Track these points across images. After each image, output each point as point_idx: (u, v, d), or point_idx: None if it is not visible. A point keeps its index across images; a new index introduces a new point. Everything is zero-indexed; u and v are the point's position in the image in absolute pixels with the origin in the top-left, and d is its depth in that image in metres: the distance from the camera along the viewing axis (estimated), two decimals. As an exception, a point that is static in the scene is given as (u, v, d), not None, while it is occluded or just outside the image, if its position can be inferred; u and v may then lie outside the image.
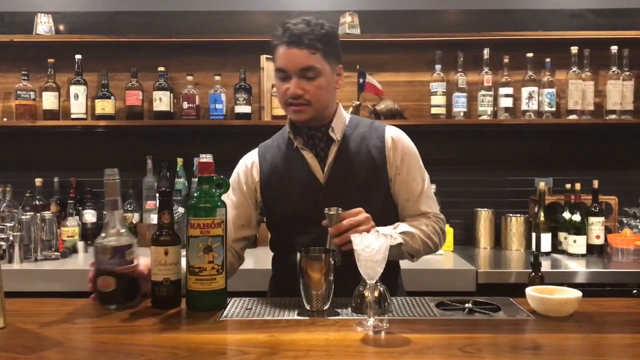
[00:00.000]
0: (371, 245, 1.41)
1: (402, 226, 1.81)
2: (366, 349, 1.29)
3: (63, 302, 1.67)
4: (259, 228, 2.02)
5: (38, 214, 2.87)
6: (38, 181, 3.20)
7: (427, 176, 1.93)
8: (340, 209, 1.64)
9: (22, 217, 2.81)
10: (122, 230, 1.60)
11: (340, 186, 1.83)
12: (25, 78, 3.22)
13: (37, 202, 3.16)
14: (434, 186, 2.18)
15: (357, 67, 3.23)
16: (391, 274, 1.86)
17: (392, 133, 1.90)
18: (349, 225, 1.62)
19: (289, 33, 1.75)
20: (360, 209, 1.68)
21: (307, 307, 1.54)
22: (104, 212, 3.16)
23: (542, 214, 2.97)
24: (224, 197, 1.84)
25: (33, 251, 2.80)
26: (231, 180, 1.96)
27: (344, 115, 1.92)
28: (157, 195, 3.17)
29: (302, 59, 1.75)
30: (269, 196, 1.91)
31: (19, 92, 3.20)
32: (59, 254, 2.86)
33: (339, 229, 1.62)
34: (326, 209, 1.64)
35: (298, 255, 1.54)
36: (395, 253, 1.73)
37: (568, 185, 3.05)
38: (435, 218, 1.88)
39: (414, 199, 1.88)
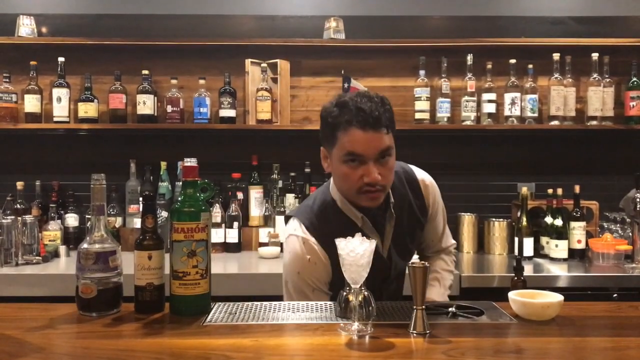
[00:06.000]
0: (355, 250, 1.41)
1: (446, 280, 2.03)
2: (350, 354, 1.29)
3: (45, 307, 1.65)
4: None
5: (19, 218, 2.84)
6: (19, 184, 3.17)
7: (442, 211, 2.02)
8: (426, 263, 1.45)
9: (3, 221, 2.78)
10: (107, 236, 1.59)
11: (400, 254, 1.86)
12: (7, 80, 3.19)
13: (19, 206, 3.13)
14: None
15: (342, 72, 3.24)
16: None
17: (426, 184, 1.92)
18: None
19: (363, 114, 1.61)
20: None
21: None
22: (87, 217, 3.15)
23: (524, 219, 3.00)
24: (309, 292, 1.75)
25: (14, 255, 2.77)
26: (305, 288, 1.76)
27: None
28: (141, 199, 3.15)
29: (381, 142, 1.64)
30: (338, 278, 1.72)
31: (0, 95, 3.16)
32: (40, 258, 2.83)
33: None
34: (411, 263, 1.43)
35: None
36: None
37: (550, 190, 3.08)
38: (452, 252, 2.10)
39: (437, 239, 2.03)
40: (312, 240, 1.75)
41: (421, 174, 1.94)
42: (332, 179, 1.80)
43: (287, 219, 1.92)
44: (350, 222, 1.76)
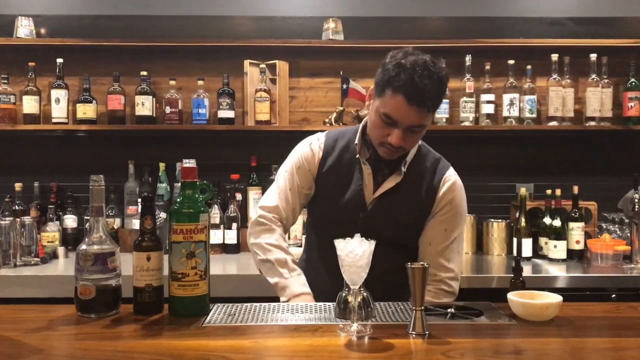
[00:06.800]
0: (355, 251, 1.41)
1: None
2: (350, 354, 1.29)
3: (43, 309, 1.65)
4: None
5: (17, 219, 2.83)
6: (18, 186, 3.16)
7: (461, 234, 1.96)
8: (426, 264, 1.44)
9: (1, 222, 2.77)
10: (105, 237, 1.58)
11: (382, 215, 1.84)
12: (6, 82, 3.18)
13: (17, 207, 3.12)
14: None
15: (341, 72, 3.24)
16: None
17: (450, 180, 1.91)
18: None
19: (415, 89, 1.65)
20: None
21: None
22: (86, 218, 3.14)
23: (523, 219, 3.00)
24: (283, 178, 1.93)
25: (12, 257, 2.76)
26: (295, 162, 1.95)
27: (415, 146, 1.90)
28: (139, 200, 3.14)
29: (418, 118, 1.70)
30: (318, 189, 1.94)
31: (-2, 96, 3.16)
32: (38, 259, 2.82)
33: None
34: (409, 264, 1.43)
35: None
36: None
37: (549, 191, 3.08)
38: (447, 288, 1.91)
39: (435, 247, 1.89)
40: (322, 139, 1.96)
41: (451, 173, 1.93)
42: (368, 113, 1.87)
43: None
44: (354, 147, 1.88)
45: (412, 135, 1.75)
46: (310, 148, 1.95)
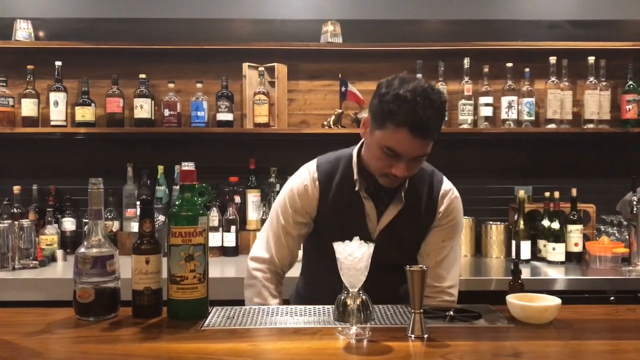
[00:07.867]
0: (354, 254, 1.41)
1: None
2: (349, 357, 1.29)
3: (42, 312, 1.65)
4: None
5: (16, 222, 2.83)
6: (16, 189, 3.16)
7: (458, 242, 1.95)
8: (424, 266, 1.45)
9: (0, 225, 2.77)
10: (104, 240, 1.58)
11: (389, 244, 1.82)
12: (4, 84, 3.18)
13: (15, 210, 3.12)
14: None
15: (339, 75, 3.25)
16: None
17: (448, 194, 1.89)
18: None
19: (420, 122, 1.60)
20: None
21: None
22: (84, 221, 3.13)
23: (521, 222, 3.00)
24: (277, 223, 1.91)
25: (11, 260, 2.76)
26: (291, 204, 1.90)
27: None
28: (138, 203, 3.14)
29: (423, 148, 1.67)
30: (317, 225, 1.91)
31: (-3, 99, 3.16)
32: (37, 262, 2.82)
33: None
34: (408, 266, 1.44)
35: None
36: None
37: (547, 194, 3.08)
38: (448, 297, 1.91)
39: (434, 258, 1.89)
40: (315, 175, 1.88)
41: (447, 187, 1.91)
42: (364, 142, 1.83)
43: None
44: (352, 180, 1.84)
45: (415, 164, 1.73)
46: (305, 189, 1.88)
